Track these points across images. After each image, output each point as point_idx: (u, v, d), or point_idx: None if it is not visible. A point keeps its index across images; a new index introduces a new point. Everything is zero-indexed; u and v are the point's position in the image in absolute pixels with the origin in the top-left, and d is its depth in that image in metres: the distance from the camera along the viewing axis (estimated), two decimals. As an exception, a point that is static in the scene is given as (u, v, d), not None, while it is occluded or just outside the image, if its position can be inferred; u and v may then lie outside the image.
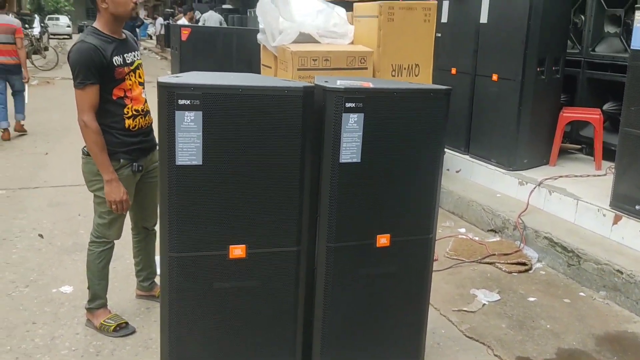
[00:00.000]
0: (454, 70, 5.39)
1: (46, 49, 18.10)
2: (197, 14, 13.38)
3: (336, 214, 2.22)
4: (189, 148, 2.05)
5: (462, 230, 4.48)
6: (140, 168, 2.71)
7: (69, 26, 35.77)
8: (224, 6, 18.47)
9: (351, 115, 2.17)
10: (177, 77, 2.20)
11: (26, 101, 7.43)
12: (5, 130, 7.06)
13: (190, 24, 10.53)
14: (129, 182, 2.70)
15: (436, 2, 4.63)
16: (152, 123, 2.78)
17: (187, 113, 2.03)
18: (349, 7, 5.01)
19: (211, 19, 12.61)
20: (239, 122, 2.07)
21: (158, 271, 3.03)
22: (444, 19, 5.46)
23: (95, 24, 2.63)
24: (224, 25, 12.88)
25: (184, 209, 2.08)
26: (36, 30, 19.23)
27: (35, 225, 4.29)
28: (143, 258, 3.10)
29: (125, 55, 2.62)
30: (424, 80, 4.69)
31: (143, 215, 2.97)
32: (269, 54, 4.92)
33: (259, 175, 2.13)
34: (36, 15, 24.14)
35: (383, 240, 2.32)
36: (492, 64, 4.93)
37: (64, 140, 7.06)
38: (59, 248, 3.89)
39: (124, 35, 2.69)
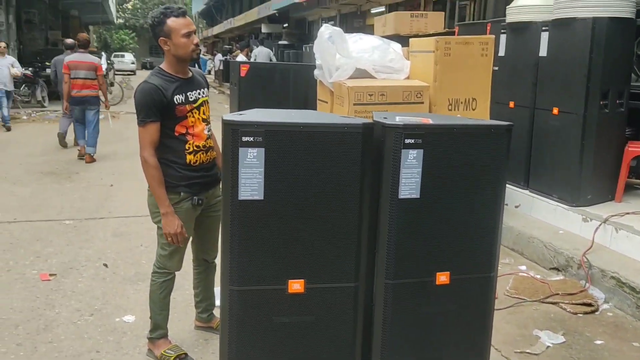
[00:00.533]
0: (511, 104, 5.31)
1: (112, 84, 19.02)
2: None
3: (395, 250, 2.21)
4: (251, 183, 2.10)
5: (523, 267, 4.34)
6: (201, 202, 2.77)
7: (133, 63, 37.56)
8: (280, 42, 19.01)
9: (410, 151, 2.17)
10: (240, 114, 2.27)
11: (111, 127, 9.39)
12: (82, 147, 8.24)
13: (247, 60, 10.89)
14: (188, 215, 2.76)
15: (493, 36, 4.62)
16: (215, 158, 2.85)
17: (250, 150, 2.09)
18: (405, 43, 5.06)
19: (261, 53, 13.12)
20: (300, 158, 2.11)
21: (217, 303, 3.08)
22: (502, 53, 5.42)
23: (162, 64, 2.76)
24: (274, 59, 13.32)
25: (245, 243, 2.12)
26: (103, 67, 20.27)
27: (100, 254, 4.45)
28: (203, 290, 3.15)
29: (188, 93, 2.70)
30: (481, 114, 4.64)
31: (204, 248, 3.03)
32: (325, 89, 5.00)
33: (318, 211, 2.15)
34: (103, 53, 25.50)
35: (443, 277, 2.29)
36: (553, 97, 4.84)
37: (128, 173, 7.36)
38: (122, 277, 4.02)
39: (189, 74, 2.77)
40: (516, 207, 5.20)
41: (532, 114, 5.08)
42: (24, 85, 14.83)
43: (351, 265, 2.20)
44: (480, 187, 2.28)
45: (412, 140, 2.17)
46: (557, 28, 4.77)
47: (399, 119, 2.26)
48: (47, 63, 16.95)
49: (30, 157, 8.52)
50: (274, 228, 2.13)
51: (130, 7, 52.88)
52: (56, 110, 14.74)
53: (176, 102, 2.65)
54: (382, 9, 13.30)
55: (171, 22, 2.61)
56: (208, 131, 2.81)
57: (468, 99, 4.62)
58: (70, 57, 8.07)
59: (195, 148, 2.72)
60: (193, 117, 2.71)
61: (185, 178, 2.71)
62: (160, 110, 2.61)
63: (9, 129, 11.05)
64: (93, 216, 5.52)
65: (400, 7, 12.22)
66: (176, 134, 2.68)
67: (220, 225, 2.18)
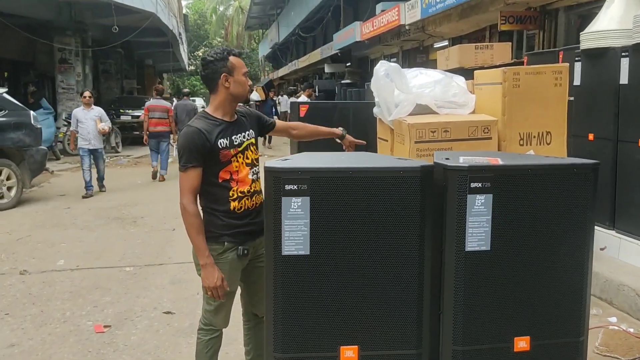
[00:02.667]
0: (591, 136, 4.87)
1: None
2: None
3: (463, 311, 1.91)
4: (295, 237, 1.88)
5: (613, 319, 3.85)
6: (246, 252, 2.60)
7: (203, 107, 38.88)
8: (343, 81, 19.06)
9: (478, 196, 1.89)
10: (284, 160, 2.07)
11: (174, 155, 10.79)
12: (155, 168, 10.64)
13: (309, 100, 10.90)
14: (234, 267, 2.60)
15: (567, 64, 4.26)
16: (262, 202, 2.65)
17: (294, 199, 1.88)
18: (469, 76, 4.77)
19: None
20: (350, 208, 1.88)
21: None
22: (577, 82, 5.01)
23: (207, 108, 2.66)
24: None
25: (290, 304, 1.89)
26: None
27: (156, 304, 4.34)
28: (253, 347, 2.93)
29: (233, 137, 2.58)
30: (558, 149, 4.25)
31: (252, 302, 2.83)
32: (385, 127, 4.77)
33: (372, 267, 1.90)
34: (174, 99, 26.53)
35: (522, 343, 1.96)
36: (638, 129, 4.37)
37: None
38: (175, 329, 3.86)
39: (235, 117, 2.65)
40: (601, 249, 4.69)
41: (614, 147, 4.62)
42: (99, 132, 15.48)
43: (412, 330, 1.92)
44: (562, 237, 1.96)
45: (480, 184, 1.89)
46: (639, 53, 4.35)
47: (463, 160, 1.99)
48: (121, 110, 17.85)
49: (101, 202, 8.73)
50: (322, 287, 1.89)
51: (200, 54, 55.23)
52: (129, 155, 15.32)
53: (220, 147, 2.52)
54: (446, 42, 13.04)
55: (233, 59, 2.57)
56: (253, 175, 2.65)
57: (542, 132, 4.24)
58: (149, 102, 10.89)
59: (239, 194, 2.57)
60: (237, 161, 2.58)
61: (229, 227, 2.56)
62: (202, 155, 2.49)
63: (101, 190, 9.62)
64: (153, 262, 5.47)
65: (464, 40, 11.91)
66: (220, 180, 2.54)
67: (264, 283, 1.97)
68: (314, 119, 7.31)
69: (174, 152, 11.27)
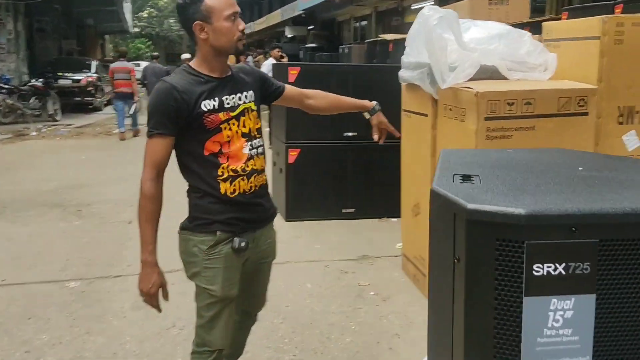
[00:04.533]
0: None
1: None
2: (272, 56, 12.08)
3: None
4: None
5: None
6: (245, 245, 2.10)
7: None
8: (308, 45, 17.67)
9: None
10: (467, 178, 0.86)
11: (138, 111, 11.67)
12: (122, 133, 11.26)
13: (282, 62, 9.53)
14: (230, 265, 2.09)
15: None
16: (264, 184, 2.18)
17: (557, 301, 0.67)
18: (534, 30, 3.62)
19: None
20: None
21: None
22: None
23: (192, 62, 2.12)
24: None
25: None
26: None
27: (116, 346, 3.07)
28: (234, 345, 2.37)
29: (224, 97, 2.07)
30: (665, 128, 3.19)
31: (248, 300, 2.35)
32: (422, 97, 3.59)
33: None
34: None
35: None
36: None
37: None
38: (148, 395, 2.63)
39: (229, 72, 2.13)
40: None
41: None
42: (34, 97, 13.66)
43: None
44: None
45: None
46: None
47: None
48: (59, 73, 15.92)
49: (36, 182, 7.21)
50: None
51: (145, 15, 51.83)
52: (69, 125, 13.55)
53: (205, 109, 2.02)
54: (431, 2, 11.86)
55: (210, 0, 2.00)
56: (251, 149, 2.11)
57: (647, 106, 3.17)
58: (113, 65, 11.88)
59: (231, 173, 2.07)
60: (230, 129, 2.06)
61: (222, 212, 2.08)
62: (175, 121, 2.00)
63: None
64: (106, 273, 4.15)
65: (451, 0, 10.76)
66: (206, 152, 2.05)
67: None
68: (306, 86, 6.04)
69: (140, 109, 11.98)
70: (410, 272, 4.05)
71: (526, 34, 3.38)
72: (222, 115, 2.03)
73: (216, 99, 2.04)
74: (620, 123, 3.17)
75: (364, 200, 5.58)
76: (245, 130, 2.10)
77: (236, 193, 2.07)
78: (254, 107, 2.15)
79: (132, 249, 4.59)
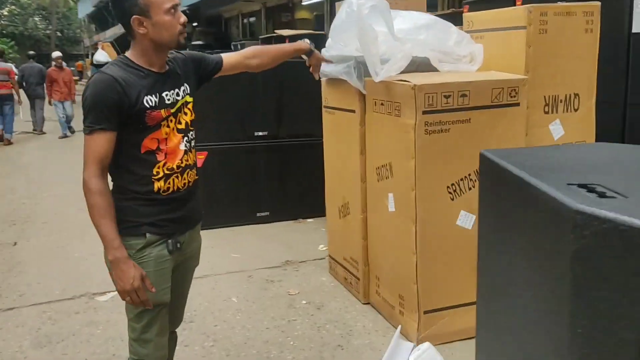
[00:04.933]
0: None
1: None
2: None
3: None
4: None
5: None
6: (179, 245, 2.05)
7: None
8: (194, 42, 17.03)
9: None
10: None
11: (21, 117, 11.23)
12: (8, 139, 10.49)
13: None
14: (160, 267, 2.00)
15: (599, 2, 3.22)
16: (194, 182, 2.11)
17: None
18: (455, 21, 3.57)
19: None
20: None
21: None
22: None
23: (128, 53, 2.01)
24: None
25: None
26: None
27: (18, 395, 2.59)
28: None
29: (164, 93, 1.99)
30: (585, 117, 3.26)
31: (170, 315, 2.15)
32: (347, 92, 3.42)
33: None
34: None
35: None
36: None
37: (39, 218, 5.33)
38: None
39: (167, 67, 2.04)
40: None
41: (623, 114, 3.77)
42: None
43: None
44: None
45: None
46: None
47: None
48: None
49: None
50: None
51: (6, 13, 47.50)
52: None
53: (147, 106, 1.93)
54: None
55: None
56: (186, 144, 2.06)
57: (569, 95, 3.21)
58: None
59: (166, 172, 2.00)
60: (168, 126, 2.00)
61: (150, 214, 1.99)
62: (118, 116, 1.89)
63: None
64: (-5, 306, 3.56)
65: (342, -4, 10.79)
66: (142, 151, 1.96)
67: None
68: (214, 86, 5.61)
69: (19, 113, 11.47)
70: (339, 276, 3.88)
71: (451, 25, 3.32)
72: (163, 112, 1.97)
73: (157, 94, 1.97)
74: (546, 112, 3.20)
75: (278, 203, 5.34)
76: (182, 126, 2.04)
77: (169, 191, 2.02)
78: (189, 99, 2.09)
79: (25, 275, 4.02)
